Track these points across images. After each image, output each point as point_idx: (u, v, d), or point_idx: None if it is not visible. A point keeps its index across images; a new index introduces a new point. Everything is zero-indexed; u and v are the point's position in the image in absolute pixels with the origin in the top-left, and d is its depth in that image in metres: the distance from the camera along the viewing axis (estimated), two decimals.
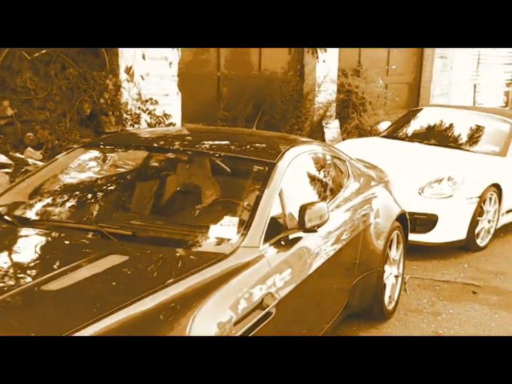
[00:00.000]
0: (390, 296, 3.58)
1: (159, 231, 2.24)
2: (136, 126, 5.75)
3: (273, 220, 2.38)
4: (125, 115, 5.68)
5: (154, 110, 5.75)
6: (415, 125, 6.24)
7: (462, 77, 10.62)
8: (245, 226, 2.22)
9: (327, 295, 2.78)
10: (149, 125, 5.72)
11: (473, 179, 4.86)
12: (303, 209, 2.35)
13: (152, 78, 6.20)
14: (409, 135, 6.03)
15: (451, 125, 5.98)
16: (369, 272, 3.20)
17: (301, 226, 2.34)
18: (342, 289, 2.96)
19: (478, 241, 5.00)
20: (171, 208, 2.64)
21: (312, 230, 2.37)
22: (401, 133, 6.09)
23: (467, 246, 4.93)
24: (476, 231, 4.94)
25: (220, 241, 2.17)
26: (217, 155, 2.63)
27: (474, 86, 10.95)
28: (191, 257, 2.07)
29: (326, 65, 7.98)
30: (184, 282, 1.85)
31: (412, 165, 5.16)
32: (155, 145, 2.71)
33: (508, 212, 5.40)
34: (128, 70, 5.52)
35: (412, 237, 4.69)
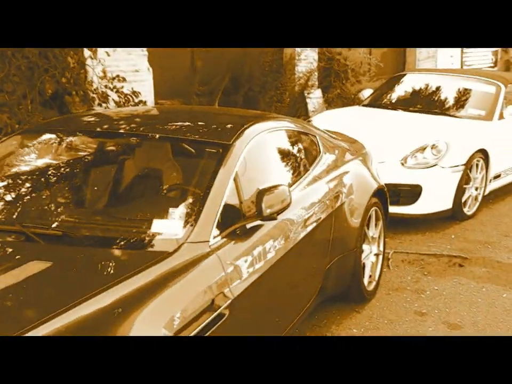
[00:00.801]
0: (370, 276, 3.39)
1: (95, 229, 1.99)
2: (104, 105, 5.45)
3: (229, 208, 2.15)
4: (91, 94, 5.37)
5: (122, 87, 5.43)
6: (398, 91, 5.96)
7: None
8: (192, 218, 1.98)
9: (296, 283, 2.58)
10: (117, 104, 5.42)
11: (457, 146, 4.62)
12: (260, 194, 2.12)
13: (119, 54, 5.87)
14: (392, 102, 5.76)
15: (435, 90, 5.71)
16: (345, 253, 3.00)
17: (258, 214, 2.11)
18: (314, 274, 2.76)
19: (466, 209, 4.80)
20: (127, 198, 2.40)
21: (271, 217, 2.14)
22: (383, 101, 5.82)
23: (454, 215, 4.73)
24: (463, 200, 4.73)
25: (164, 237, 1.93)
26: (165, 138, 2.38)
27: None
28: (128, 258, 1.84)
29: None
30: (116, 290, 1.62)
31: (394, 134, 4.91)
32: (98, 129, 2.44)
33: (496, 177, 5.18)
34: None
35: (396, 209, 4.50)
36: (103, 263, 1.78)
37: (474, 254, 4.12)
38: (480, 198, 4.96)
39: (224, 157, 2.22)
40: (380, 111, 5.55)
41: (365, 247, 3.28)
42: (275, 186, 2.20)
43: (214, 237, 1.98)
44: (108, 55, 5.44)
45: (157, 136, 2.38)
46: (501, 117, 5.21)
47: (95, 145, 2.51)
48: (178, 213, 2.01)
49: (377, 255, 3.46)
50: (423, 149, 4.59)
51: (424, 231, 4.57)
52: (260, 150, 2.56)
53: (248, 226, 2.15)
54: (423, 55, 9.61)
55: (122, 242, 1.90)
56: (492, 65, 11.34)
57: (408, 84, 5.96)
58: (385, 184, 4.47)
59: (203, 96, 6.61)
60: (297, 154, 2.88)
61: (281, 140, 2.82)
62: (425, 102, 5.58)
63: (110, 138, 2.47)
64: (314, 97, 7.79)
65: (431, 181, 4.48)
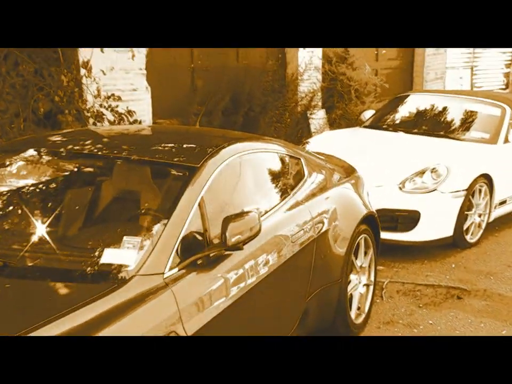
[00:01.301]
0: (359, 308, 3.18)
1: (41, 259, 1.84)
2: (99, 124, 5.37)
3: (193, 237, 1.99)
4: (86, 113, 5.29)
5: (117, 106, 5.35)
6: (400, 113, 5.79)
7: (458, 59, 10.10)
8: (147, 248, 1.83)
9: (269, 319, 2.39)
10: (111, 123, 5.33)
11: (459, 170, 4.42)
12: (225, 222, 1.96)
13: (117, 73, 5.80)
14: (393, 124, 5.59)
15: (438, 112, 5.53)
16: (329, 284, 2.80)
17: (223, 243, 1.95)
18: (291, 308, 2.57)
19: (468, 237, 4.57)
20: (84, 224, 2.25)
21: (237, 247, 1.97)
22: (384, 123, 5.65)
23: (455, 243, 4.50)
24: (465, 227, 4.51)
25: (113, 269, 1.77)
26: (129, 160, 2.23)
27: (472, 68, 10.42)
28: (70, 292, 1.69)
29: (308, 51, 7.53)
30: (49, 328, 1.46)
31: (393, 156, 4.73)
32: (59, 150, 2.31)
33: (501, 203, 4.95)
34: (86, 65, 5.12)
35: (394, 236, 4.31)
36: (40, 297, 1.63)
37: (474, 285, 3.90)
38: (484, 225, 4.73)
39: (189, 181, 2.08)
40: (380, 132, 5.39)
41: (352, 277, 3.09)
42: (244, 213, 2.04)
43: (171, 269, 1.82)
44: (104, 73, 5.38)
45: (121, 158, 2.24)
46: (506, 140, 5.00)
47: (54, 167, 2.37)
48: (133, 241, 1.85)
49: (367, 285, 3.26)
50: (422, 173, 4.40)
51: (423, 259, 4.36)
52: (234, 173, 2.41)
53: (213, 256, 1.99)
54: (430, 76, 9.45)
55: (66, 274, 1.74)
56: (504, 87, 11.13)
57: (411, 105, 5.80)
58: (382, 209, 4.32)
59: (202, 115, 6.51)
60: (278, 178, 2.72)
61: (260, 163, 2.67)
62: (427, 124, 5.40)
63: (69, 160, 2.33)
64: (317, 118, 7.65)
65: (430, 206, 4.27)
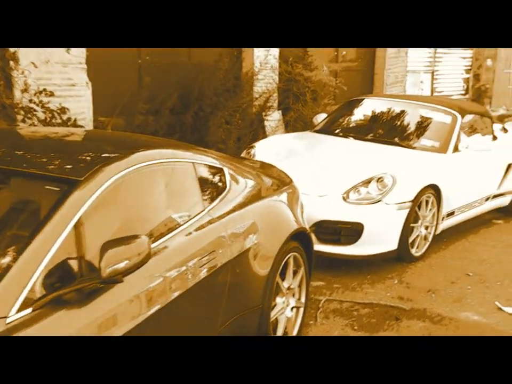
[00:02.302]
0: (285, 334, 2.93)
1: None
2: (29, 122, 4.97)
3: (64, 266, 1.68)
4: (15, 109, 4.89)
5: (48, 102, 4.97)
6: (352, 118, 5.59)
7: (419, 63, 10.01)
8: None
9: None
10: (42, 122, 4.94)
11: (405, 180, 4.23)
12: (104, 248, 1.67)
13: (53, 66, 5.40)
14: (344, 129, 5.37)
15: (390, 118, 5.34)
16: (247, 311, 2.54)
17: (98, 274, 1.66)
18: None
19: (413, 250, 4.39)
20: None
21: (113, 280, 1.68)
22: (336, 127, 5.43)
23: (400, 257, 4.31)
24: (410, 240, 4.32)
25: None
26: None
27: (432, 73, 10.36)
28: None
29: (265, 50, 7.27)
30: None
31: (339, 164, 4.50)
32: None
33: (449, 215, 4.79)
34: (12, 56, 4.72)
35: (336, 249, 4.09)
36: None
37: (415, 303, 3.70)
38: (430, 237, 4.55)
39: (65, 198, 1.77)
40: (329, 138, 5.16)
41: (278, 300, 2.83)
42: (129, 238, 1.75)
43: (21, 310, 1.51)
44: (35, 66, 4.98)
45: None
46: (456, 149, 4.84)
47: None
48: None
49: (297, 308, 3.01)
50: (368, 183, 4.19)
51: (365, 274, 4.15)
52: (132, 187, 2.11)
53: (88, 289, 1.69)
54: (391, 79, 9.32)
55: None
56: (463, 92, 11.13)
57: (363, 109, 5.60)
58: (325, 220, 4.09)
59: (148, 114, 6.16)
60: (190, 192, 2.43)
61: (170, 175, 2.37)
62: (378, 131, 5.20)
63: None
64: (272, 120, 7.40)
65: (374, 218, 4.06)
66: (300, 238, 2.96)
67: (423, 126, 5.10)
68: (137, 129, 6.09)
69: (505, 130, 5.87)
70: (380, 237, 4.12)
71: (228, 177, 2.69)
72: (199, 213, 2.37)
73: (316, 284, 3.91)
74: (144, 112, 6.13)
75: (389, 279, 4.09)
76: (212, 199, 2.51)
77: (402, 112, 5.30)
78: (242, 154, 4.92)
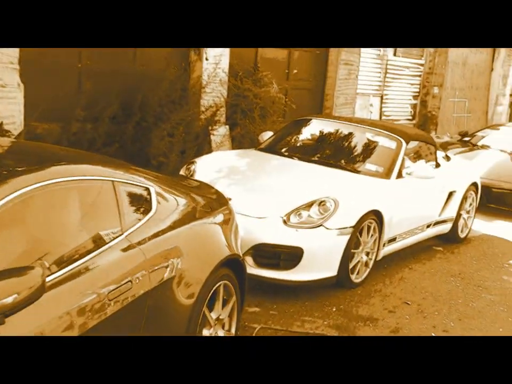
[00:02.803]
0: None
1: None
2: None
3: None
4: None
5: None
6: (299, 137, 5.47)
7: (369, 86, 10.13)
8: None
9: None
10: None
11: (347, 205, 4.11)
12: None
13: None
14: (289, 149, 5.24)
15: (336, 141, 5.26)
16: None
17: None
18: None
19: (353, 277, 4.27)
20: None
21: None
22: (281, 147, 5.29)
23: (340, 283, 4.18)
24: (351, 266, 4.20)
25: None
26: None
27: (382, 96, 10.51)
28: None
29: (214, 63, 7.09)
30: None
31: (281, 185, 4.34)
32: None
33: (391, 241, 4.72)
34: None
35: (275, 274, 3.90)
36: None
37: (351, 333, 3.55)
38: (371, 264, 4.46)
39: None
40: (273, 157, 5.01)
41: (205, 332, 2.60)
42: (19, 269, 1.49)
43: None
44: None
45: None
46: (399, 175, 4.80)
47: None
48: None
49: None
50: (309, 206, 4.04)
51: (304, 300, 3.98)
52: (36, 206, 1.84)
53: None
54: (340, 101, 9.36)
55: None
56: (410, 117, 11.36)
57: (310, 130, 5.50)
58: (264, 244, 3.90)
59: (86, 122, 5.81)
60: (105, 214, 2.17)
61: (81, 194, 2.10)
62: (324, 152, 5.10)
63: None
64: (219, 135, 7.21)
65: (314, 243, 3.91)
66: (232, 265, 2.75)
67: (368, 150, 5.04)
68: (73, 137, 5.74)
69: (448, 158, 5.93)
70: (319, 263, 3.97)
71: (154, 198, 2.46)
72: (115, 238, 2.12)
73: (251, 309, 3.71)
74: (81, 119, 5.78)
75: (327, 306, 3.94)
76: (133, 222, 2.26)
77: (349, 135, 5.23)
78: (182, 170, 4.68)
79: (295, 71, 8.81)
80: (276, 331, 3.48)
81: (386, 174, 4.74)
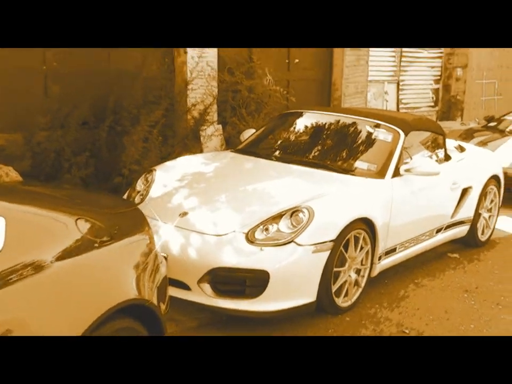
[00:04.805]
0: None
1: None
2: None
3: None
4: None
5: None
6: (283, 135, 4.74)
7: (382, 72, 9.26)
8: None
9: None
10: None
11: (326, 215, 3.38)
12: None
13: None
14: (268, 149, 4.53)
15: (325, 136, 4.52)
16: None
17: None
18: None
19: (340, 300, 3.53)
20: None
21: None
22: (260, 147, 4.58)
23: (322, 309, 3.46)
24: (335, 288, 3.46)
25: None
26: None
27: (398, 83, 9.61)
28: None
29: (201, 58, 6.44)
30: None
31: (249, 194, 3.66)
32: None
33: (389, 253, 3.96)
34: None
35: (236, 304, 3.21)
36: None
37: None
38: (363, 283, 3.71)
39: None
40: (248, 160, 4.31)
41: None
42: None
43: None
44: None
45: None
46: (397, 174, 4.01)
47: None
48: None
49: None
50: (278, 218, 3.34)
51: (278, 332, 3.28)
52: None
53: None
54: (350, 90, 8.54)
55: None
56: (432, 104, 10.40)
57: (297, 125, 4.75)
58: (222, 267, 3.21)
59: (54, 129, 5.27)
60: None
61: None
62: (308, 151, 4.37)
63: None
64: (211, 134, 6.55)
65: (281, 264, 3.19)
66: (135, 313, 2.08)
67: (359, 145, 4.27)
68: (38, 148, 5.22)
69: (461, 148, 5.07)
70: (291, 288, 3.25)
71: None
72: None
73: None
74: (47, 127, 5.24)
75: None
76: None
77: (340, 128, 4.48)
78: (140, 180, 4.04)
79: (297, 60, 8.04)
80: None
81: (380, 173, 3.96)
